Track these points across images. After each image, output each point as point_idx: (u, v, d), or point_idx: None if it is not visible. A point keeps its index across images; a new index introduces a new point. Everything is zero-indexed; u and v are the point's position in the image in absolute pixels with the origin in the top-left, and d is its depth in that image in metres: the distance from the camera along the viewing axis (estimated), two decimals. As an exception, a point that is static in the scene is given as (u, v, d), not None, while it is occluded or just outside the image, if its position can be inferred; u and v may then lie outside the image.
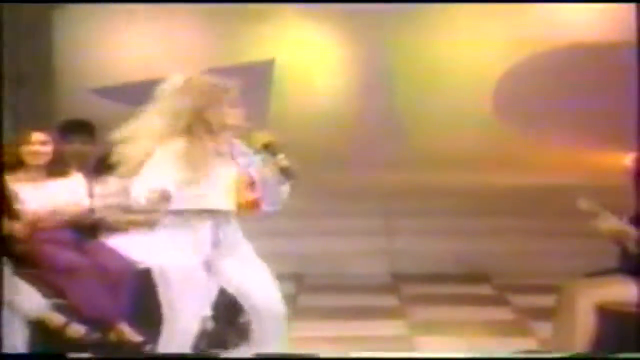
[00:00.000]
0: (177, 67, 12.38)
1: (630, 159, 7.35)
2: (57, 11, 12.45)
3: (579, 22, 12.65)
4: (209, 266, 5.97)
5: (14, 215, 7.19)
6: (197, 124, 5.85)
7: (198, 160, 5.78)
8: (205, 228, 5.89)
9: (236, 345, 7.89)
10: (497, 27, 12.64)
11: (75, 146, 8.15)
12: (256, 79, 11.91)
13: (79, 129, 8.44)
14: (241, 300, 6.08)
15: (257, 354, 5.91)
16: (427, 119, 12.28)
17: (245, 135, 5.99)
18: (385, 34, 12.39)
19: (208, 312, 7.71)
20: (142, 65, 12.42)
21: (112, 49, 12.65)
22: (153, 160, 5.81)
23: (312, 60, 12.41)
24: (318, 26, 12.62)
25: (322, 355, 6.03)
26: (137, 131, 5.93)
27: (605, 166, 9.39)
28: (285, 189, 5.94)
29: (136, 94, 11.86)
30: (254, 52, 12.48)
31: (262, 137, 5.93)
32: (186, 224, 5.90)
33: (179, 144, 5.81)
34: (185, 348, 6.09)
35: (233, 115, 5.89)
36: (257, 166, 5.95)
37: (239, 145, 6.03)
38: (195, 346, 7.54)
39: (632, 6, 12.22)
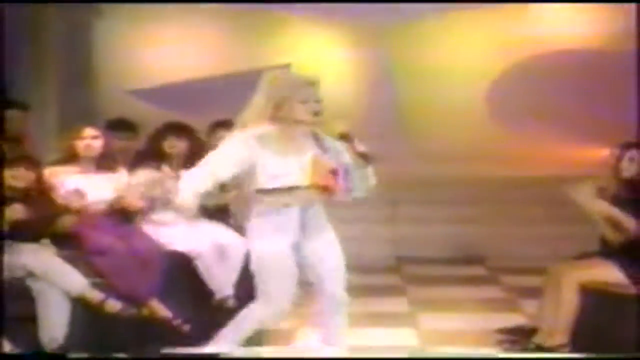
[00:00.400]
0: (204, 71, 12.60)
1: (608, 153, 7.40)
2: (98, 22, 12.49)
3: (565, 30, 12.66)
4: (297, 248, 5.83)
5: (57, 205, 7.31)
6: (284, 113, 5.73)
7: (284, 146, 5.72)
8: (293, 212, 5.76)
9: None
10: (490, 35, 12.67)
11: (122, 142, 8.25)
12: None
13: (125, 126, 8.54)
14: (314, 281, 5.92)
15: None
16: (427, 117, 12.31)
17: (322, 125, 5.87)
18: (389, 41, 12.43)
19: (230, 290, 7.82)
20: (173, 69, 12.49)
21: (147, 54, 12.67)
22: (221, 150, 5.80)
23: (323, 64, 12.41)
24: (329, 34, 12.64)
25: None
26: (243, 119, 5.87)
27: (587, 159, 9.42)
28: (367, 176, 5.82)
29: (166, 96, 12.07)
30: (272, 57, 12.50)
31: (338, 126, 5.86)
32: (276, 209, 5.76)
33: (267, 129, 5.75)
34: (276, 325, 5.97)
35: (313, 107, 5.75)
36: (339, 154, 5.82)
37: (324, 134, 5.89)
38: (219, 324, 7.68)
39: (614, 14, 12.33)
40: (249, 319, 6.00)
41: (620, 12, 12.35)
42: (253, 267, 5.85)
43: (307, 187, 5.75)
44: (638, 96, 10.30)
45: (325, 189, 5.77)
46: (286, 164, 5.71)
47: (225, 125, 8.46)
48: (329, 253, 5.85)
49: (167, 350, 7.07)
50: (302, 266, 5.84)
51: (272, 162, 5.68)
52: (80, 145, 7.58)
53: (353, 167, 5.78)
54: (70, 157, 7.60)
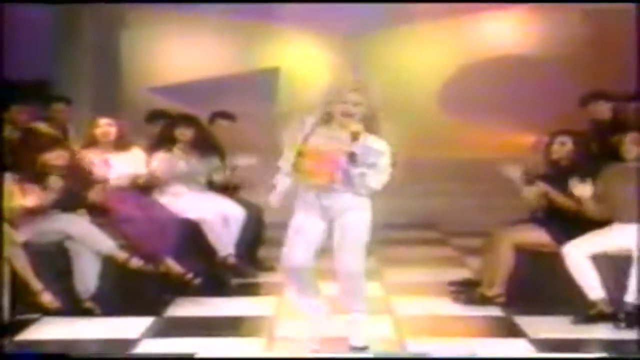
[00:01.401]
0: (208, 72, 12.58)
1: (540, 138, 7.42)
2: (124, 31, 12.50)
3: (505, 38, 12.68)
4: (322, 224, 5.55)
5: (90, 180, 7.30)
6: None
7: (317, 136, 5.51)
8: (310, 196, 5.52)
9: (253, 275, 7.99)
10: (443, 43, 12.69)
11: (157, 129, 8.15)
12: (265, 83, 12.06)
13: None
14: (334, 252, 5.61)
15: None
16: (393, 110, 12.29)
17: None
18: (364, 48, 12.41)
19: (231, 250, 7.83)
20: (184, 71, 12.53)
21: (163, 58, 12.70)
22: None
23: (307, 68, 12.40)
24: (312, 43, 12.62)
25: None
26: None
27: (522, 143, 9.43)
28: (377, 177, 5.48)
29: (178, 93, 12.04)
30: (265, 61, 12.56)
31: (352, 126, 5.43)
32: (300, 193, 5.59)
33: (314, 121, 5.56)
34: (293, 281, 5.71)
35: (346, 109, 5.47)
36: (369, 155, 5.43)
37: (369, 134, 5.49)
38: (222, 276, 7.69)
39: (546, 25, 12.34)
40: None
41: (550, 23, 12.39)
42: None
43: (295, 172, 5.57)
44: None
45: (321, 176, 5.52)
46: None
47: (221, 115, 8.49)
48: (344, 232, 5.53)
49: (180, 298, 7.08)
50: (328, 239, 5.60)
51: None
52: (98, 132, 7.62)
53: (360, 163, 5.42)
54: (92, 143, 7.63)
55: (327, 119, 5.55)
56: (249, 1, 11.97)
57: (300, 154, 5.53)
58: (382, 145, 5.54)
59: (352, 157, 5.40)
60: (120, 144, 7.74)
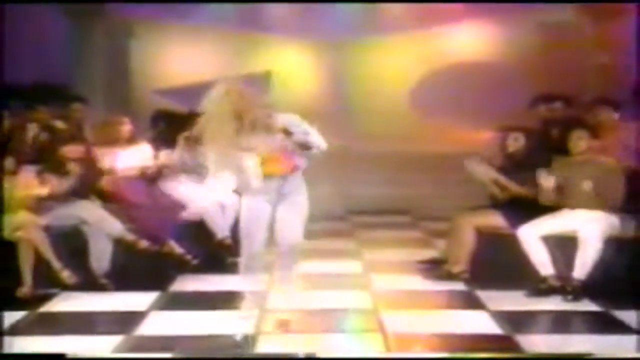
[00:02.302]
0: (206, 76, 12.55)
1: (497, 134, 7.44)
2: (132, 40, 12.50)
3: (468, 47, 12.69)
4: (274, 207, 5.46)
5: (101, 171, 7.26)
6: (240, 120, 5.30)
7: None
8: (268, 185, 5.38)
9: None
10: (413, 51, 12.69)
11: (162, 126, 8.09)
12: (258, 85, 11.99)
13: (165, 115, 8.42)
14: (277, 232, 5.49)
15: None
16: (370, 110, 12.29)
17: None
18: (343, 55, 12.39)
19: (228, 233, 7.78)
20: (185, 75, 12.48)
21: (167, 63, 12.68)
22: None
23: (294, 73, 12.40)
24: (298, 50, 12.62)
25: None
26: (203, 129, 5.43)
27: (481, 139, 9.42)
28: (316, 138, 5.39)
29: (180, 94, 11.99)
30: (256, 66, 12.52)
31: (277, 125, 5.31)
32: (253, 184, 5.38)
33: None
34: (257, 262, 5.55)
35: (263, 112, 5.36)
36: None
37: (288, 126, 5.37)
38: (219, 257, 7.64)
39: (503, 35, 12.35)
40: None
41: (506, 33, 12.43)
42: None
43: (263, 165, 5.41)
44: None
45: (278, 171, 5.42)
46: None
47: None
48: (293, 211, 5.46)
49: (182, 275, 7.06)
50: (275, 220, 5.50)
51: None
52: (114, 129, 7.59)
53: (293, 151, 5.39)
54: (108, 138, 7.60)
55: (237, 130, 5.32)
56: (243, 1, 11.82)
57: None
58: (293, 116, 5.46)
59: (287, 133, 5.31)
60: (131, 139, 7.68)
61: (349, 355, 5.12)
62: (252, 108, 5.34)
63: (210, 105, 5.37)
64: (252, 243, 5.47)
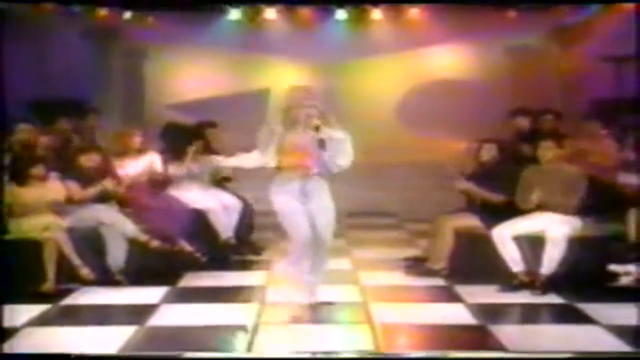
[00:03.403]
0: (213, 92, 12.58)
1: (471, 145, 7.40)
2: (146, 61, 12.52)
3: (450, 65, 12.74)
4: (303, 206, 5.44)
5: (116, 178, 7.19)
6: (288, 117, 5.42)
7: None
8: (292, 184, 5.41)
9: (244, 254, 7.76)
10: (399, 69, 12.72)
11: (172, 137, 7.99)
12: (258, 101, 12.05)
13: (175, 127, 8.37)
14: (313, 230, 5.46)
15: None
16: (360, 122, 12.26)
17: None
18: (336, 74, 12.41)
19: (231, 233, 7.73)
20: (194, 91, 12.52)
21: (178, 80, 12.71)
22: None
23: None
24: (296, 69, 12.62)
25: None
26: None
27: (458, 149, 9.39)
28: (344, 157, 5.41)
29: (190, 108, 11.95)
30: (257, 84, 12.58)
31: (314, 122, 5.34)
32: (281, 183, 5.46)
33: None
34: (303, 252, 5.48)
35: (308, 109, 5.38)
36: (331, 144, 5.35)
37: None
38: (224, 254, 7.59)
39: (483, 55, 12.38)
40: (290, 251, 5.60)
41: (481, 55, 12.48)
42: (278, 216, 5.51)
43: (279, 168, 5.47)
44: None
45: (296, 169, 5.43)
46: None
47: (208, 124, 8.34)
48: (323, 213, 5.50)
49: (190, 272, 6.99)
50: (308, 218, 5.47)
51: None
52: (127, 140, 7.51)
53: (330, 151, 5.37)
54: (122, 148, 7.52)
55: (291, 123, 5.44)
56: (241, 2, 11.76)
57: (280, 152, 5.43)
58: (341, 133, 5.46)
59: (321, 144, 5.33)
60: (141, 149, 7.60)
61: (348, 355, 4.99)
62: (300, 105, 5.37)
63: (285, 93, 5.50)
64: (297, 234, 5.42)
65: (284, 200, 5.44)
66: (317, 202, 5.47)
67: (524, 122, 7.88)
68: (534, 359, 4.88)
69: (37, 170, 6.57)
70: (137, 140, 7.56)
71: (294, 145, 5.43)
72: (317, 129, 5.32)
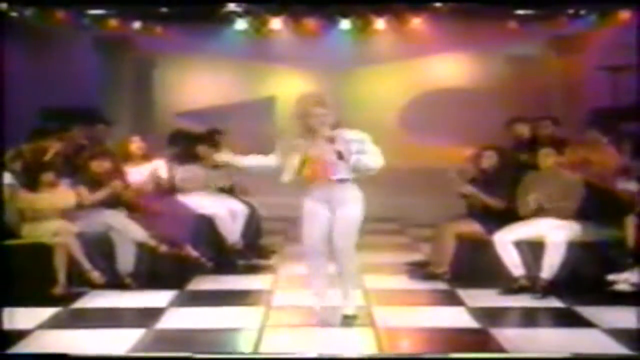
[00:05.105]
0: (220, 100, 12.61)
1: (472, 152, 7.39)
2: (154, 70, 12.55)
3: (451, 75, 12.74)
4: (328, 213, 5.32)
5: (125, 184, 7.18)
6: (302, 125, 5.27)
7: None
8: (316, 192, 5.30)
9: (250, 259, 7.72)
10: (402, 77, 12.73)
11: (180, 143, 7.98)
12: (264, 108, 12.08)
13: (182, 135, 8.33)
14: (331, 239, 5.35)
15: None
16: (363, 129, 12.26)
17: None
18: (341, 81, 12.40)
19: (238, 238, 7.70)
20: (202, 99, 12.54)
21: (186, 89, 12.73)
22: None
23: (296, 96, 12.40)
24: (301, 77, 12.62)
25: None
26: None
27: (460, 155, 9.34)
28: (372, 158, 5.27)
29: (198, 117, 11.97)
30: (263, 92, 12.60)
31: (326, 133, 5.23)
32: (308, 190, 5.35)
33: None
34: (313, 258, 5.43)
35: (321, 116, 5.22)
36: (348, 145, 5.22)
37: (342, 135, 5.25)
38: (230, 260, 7.55)
39: (482, 67, 12.39)
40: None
41: (482, 64, 12.48)
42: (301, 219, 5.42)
43: (301, 177, 5.31)
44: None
45: (313, 178, 5.30)
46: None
47: (215, 131, 8.34)
48: (341, 221, 5.33)
49: (197, 276, 6.97)
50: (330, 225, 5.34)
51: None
52: (133, 147, 7.50)
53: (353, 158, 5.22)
54: (128, 155, 7.49)
55: (306, 131, 5.31)
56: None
57: (303, 163, 5.28)
58: (358, 133, 5.34)
59: (339, 155, 5.20)
60: (145, 156, 7.56)
61: (351, 356, 4.98)
62: (312, 113, 5.22)
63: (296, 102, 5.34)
64: (309, 236, 5.35)
65: (308, 206, 5.35)
66: (340, 210, 5.32)
67: (522, 130, 7.87)
68: (534, 359, 4.87)
69: (47, 176, 6.57)
70: (139, 147, 7.52)
71: (312, 157, 5.27)
72: (331, 140, 5.21)
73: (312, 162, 5.27)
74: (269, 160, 5.40)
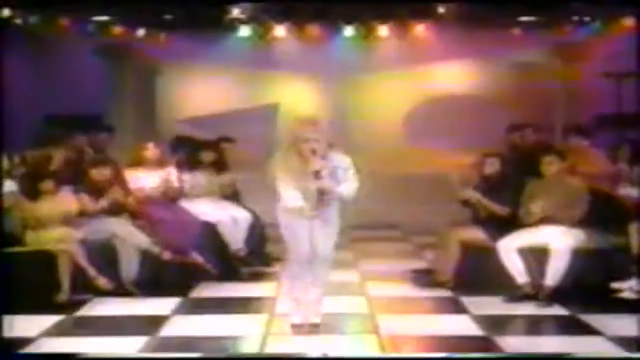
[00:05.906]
0: (224, 107, 12.65)
1: (476, 159, 7.38)
2: (158, 78, 12.61)
3: (454, 82, 12.77)
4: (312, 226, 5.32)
5: (127, 191, 7.17)
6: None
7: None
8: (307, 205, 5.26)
9: (254, 266, 7.71)
10: (406, 84, 12.76)
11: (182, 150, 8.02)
12: (268, 115, 12.13)
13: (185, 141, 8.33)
14: (315, 247, 5.37)
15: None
16: (367, 134, 12.31)
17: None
18: (344, 89, 12.45)
19: (241, 245, 7.69)
20: (205, 106, 12.58)
21: (190, 96, 12.78)
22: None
23: (301, 104, 12.42)
24: (304, 84, 12.66)
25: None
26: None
27: (464, 161, 9.34)
28: (350, 187, 5.29)
29: (202, 123, 12.02)
30: (268, 99, 12.64)
31: (315, 166, 5.19)
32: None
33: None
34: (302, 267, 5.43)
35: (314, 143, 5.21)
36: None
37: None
38: (234, 266, 7.54)
39: (485, 75, 12.41)
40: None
41: (486, 71, 12.52)
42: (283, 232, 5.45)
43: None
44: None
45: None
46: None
47: (225, 139, 8.33)
48: (320, 226, 5.35)
49: (201, 283, 6.97)
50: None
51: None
52: (145, 153, 7.48)
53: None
54: (139, 162, 7.48)
55: (297, 154, 5.26)
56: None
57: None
58: (346, 160, 5.37)
59: (321, 192, 5.22)
60: (159, 162, 7.53)
61: (353, 356, 5.00)
62: (305, 139, 5.21)
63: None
64: (296, 249, 5.35)
65: (286, 221, 5.37)
66: (320, 217, 5.34)
67: (526, 137, 7.89)
68: (534, 359, 4.86)
69: (47, 185, 6.57)
70: (154, 153, 7.50)
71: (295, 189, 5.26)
72: (317, 175, 5.18)
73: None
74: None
